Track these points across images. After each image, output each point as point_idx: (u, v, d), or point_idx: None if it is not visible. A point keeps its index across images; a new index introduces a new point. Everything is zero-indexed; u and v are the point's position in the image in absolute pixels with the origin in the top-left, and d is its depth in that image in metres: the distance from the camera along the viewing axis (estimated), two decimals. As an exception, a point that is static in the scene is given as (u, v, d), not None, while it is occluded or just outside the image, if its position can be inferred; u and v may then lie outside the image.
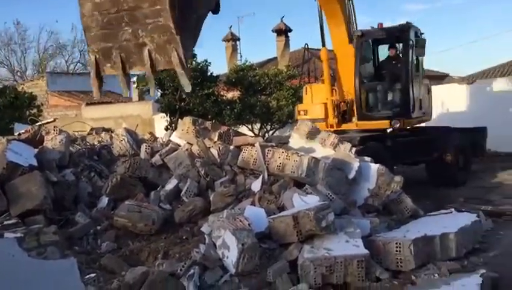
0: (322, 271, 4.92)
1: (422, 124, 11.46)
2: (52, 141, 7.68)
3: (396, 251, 5.34)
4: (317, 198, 6.01)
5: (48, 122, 8.80)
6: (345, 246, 5.26)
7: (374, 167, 7.43)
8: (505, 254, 6.02)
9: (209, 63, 15.94)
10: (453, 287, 4.39)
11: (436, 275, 5.12)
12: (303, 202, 6.00)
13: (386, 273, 5.17)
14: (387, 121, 9.86)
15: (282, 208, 6.16)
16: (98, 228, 6.24)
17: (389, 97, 10.38)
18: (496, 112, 13.92)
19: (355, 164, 7.27)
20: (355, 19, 10.14)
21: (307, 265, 4.94)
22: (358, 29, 10.28)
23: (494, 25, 59.26)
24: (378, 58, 11.00)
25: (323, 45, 10.22)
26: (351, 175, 7.16)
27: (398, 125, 9.75)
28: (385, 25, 10.53)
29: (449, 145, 10.55)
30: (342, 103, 10.35)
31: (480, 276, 4.64)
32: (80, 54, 39.05)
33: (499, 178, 11.57)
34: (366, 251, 5.15)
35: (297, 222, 5.36)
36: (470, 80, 17.72)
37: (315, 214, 5.34)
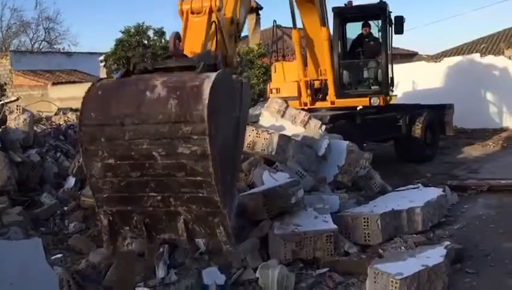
0: (292, 247, 4.95)
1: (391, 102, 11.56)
2: (16, 121, 7.46)
3: (364, 225, 5.43)
4: (287, 175, 6.03)
5: (10, 102, 8.51)
6: (314, 221, 5.31)
7: (344, 144, 7.49)
8: (469, 226, 6.20)
9: (179, 41, 15.69)
10: (418, 259, 4.48)
11: (403, 247, 5.24)
12: (273, 179, 6.01)
13: (354, 248, 5.25)
14: (366, 99, 9.92)
15: (252, 186, 6.16)
16: (65, 208, 6.15)
17: (369, 75, 10.43)
18: (462, 89, 14.19)
19: (325, 141, 7.31)
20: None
21: (277, 241, 4.98)
22: (335, 6, 10.27)
23: (461, 4, 60.07)
24: (346, 36, 10.97)
25: (294, 26, 10.17)
26: (321, 152, 7.20)
27: (377, 102, 9.83)
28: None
29: (417, 122, 10.73)
30: (316, 82, 10.35)
31: (445, 248, 4.75)
32: (45, 32, 37.83)
33: (464, 154, 11.87)
34: (334, 226, 5.21)
35: (267, 199, 5.37)
36: (437, 58, 17.98)
37: (285, 190, 5.36)
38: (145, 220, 3.95)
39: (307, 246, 5.01)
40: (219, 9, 4.98)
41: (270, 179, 6.03)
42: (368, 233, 5.40)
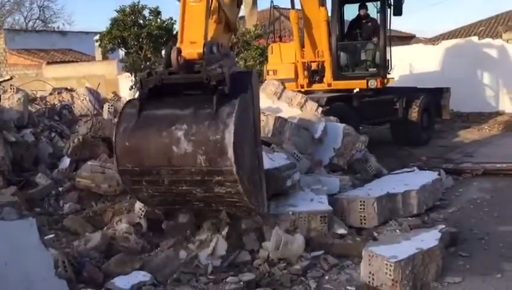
0: (286, 227, 4.99)
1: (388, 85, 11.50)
2: (10, 100, 7.39)
3: (361, 208, 5.43)
4: (284, 155, 6.01)
5: (4, 81, 8.41)
6: (310, 202, 5.35)
7: (340, 126, 7.46)
8: (463, 210, 6.22)
9: (175, 21, 15.48)
10: (413, 242, 4.50)
11: (398, 231, 5.25)
12: (270, 159, 6.00)
13: (344, 229, 5.19)
14: (363, 81, 9.86)
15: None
16: (60, 189, 6.13)
17: (366, 57, 10.35)
18: (459, 73, 14.13)
19: (321, 124, 7.28)
20: None
21: (271, 221, 4.99)
22: None
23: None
24: (343, 17, 10.85)
25: (293, 7, 10.05)
26: (317, 135, 7.17)
27: (375, 85, 9.77)
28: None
29: (413, 105, 10.69)
30: (313, 63, 10.27)
31: (439, 231, 4.76)
32: (40, 11, 37.31)
33: (460, 137, 11.87)
34: (329, 207, 5.24)
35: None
36: (435, 40, 17.86)
37: (280, 173, 5.35)
38: (193, 211, 4.73)
39: (301, 226, 5.04)
40: None
41: (267, 160, 6.01)
42: (364, 216, 5.40)
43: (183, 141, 4.00)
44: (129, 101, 4.66)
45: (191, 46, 4.54)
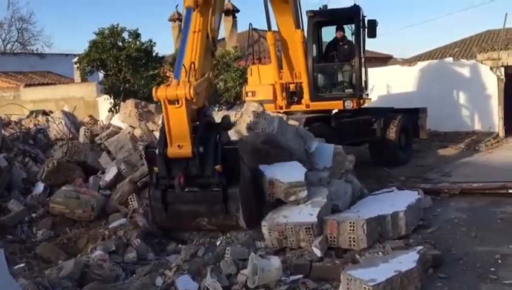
0: (276, 236, 5.33)
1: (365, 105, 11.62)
2: (-18, 125, 7.24)
3: (350, 230, 5.35)
4: (303, 169, 6.07)
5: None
6: (300, 214, 5.53)
7: (331, 146, 7.43)
8: (441, 230, 6.22)
9: (154, 43, 15.48)
10: (391, 264, 4.47)
11: (380, 253, 5.17)
12: (286, 170, 6.06)
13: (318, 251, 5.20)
14: (340, 102, 9.94)
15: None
16: (33, 215, 5.98)
17: (343, 78, 10.45)
18: (435, 93, 14.37)
19: (315, 141, 7.31)
20: (299, 3, 10.03)
21: (264, 230, 5.42)
22: (309, 9, 10.27)
23: (436, 10, 61.05)
24: (321, 40, 11.00)
25: (269, 29, 10.14)
26: (312, 149, 7.17)
27: (351, 105, 9.84)
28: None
29: (391, 125, 10.79)
30: (291, 85, 10.33)
31: (417, 253, 4.74)
32: (18, 33, 36.98)
33: (437, 157, 11.99)
34: (314, 220, 5.30)
35: (271, 186, 5.82)
36: (411, 61, 18.18)
37: (286, 189, 5.69)
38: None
39: (290, 236, 5.31)
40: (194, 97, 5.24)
41: (282, 169, 6.03)
42: (353, 238, 5.32)
43: (208, 226, 5.48)
44: (149, 190, 5.57)
45: (179, 149, 5.27)
